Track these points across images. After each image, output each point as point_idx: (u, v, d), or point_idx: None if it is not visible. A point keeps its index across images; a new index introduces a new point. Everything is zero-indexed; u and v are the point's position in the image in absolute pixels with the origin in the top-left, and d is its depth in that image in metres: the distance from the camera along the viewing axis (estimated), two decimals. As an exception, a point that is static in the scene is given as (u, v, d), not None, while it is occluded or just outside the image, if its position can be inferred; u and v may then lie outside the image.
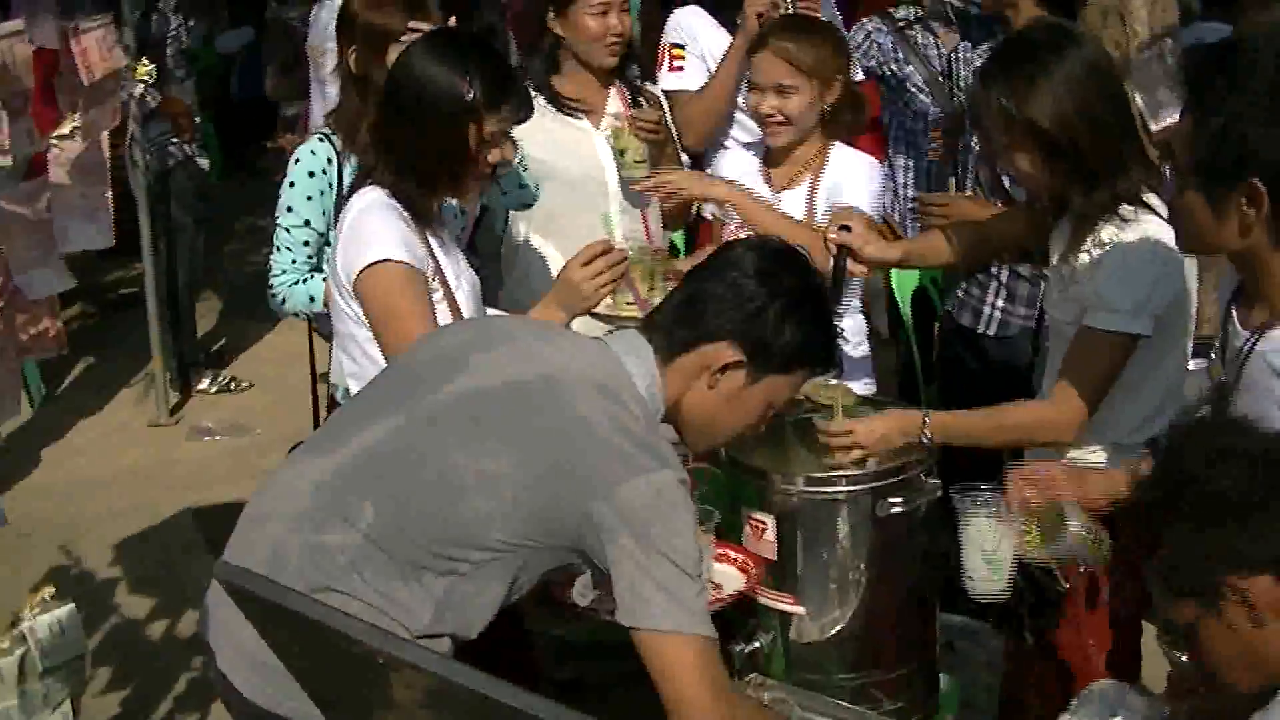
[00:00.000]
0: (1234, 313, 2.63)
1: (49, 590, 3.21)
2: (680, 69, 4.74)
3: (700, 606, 2.45)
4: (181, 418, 7.29)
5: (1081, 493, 2.92)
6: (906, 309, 5.12)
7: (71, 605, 3.18)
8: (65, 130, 5.12)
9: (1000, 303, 4.53)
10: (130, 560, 5.61)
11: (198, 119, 7.37)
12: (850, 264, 3.49)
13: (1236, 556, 2.02)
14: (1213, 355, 2.71)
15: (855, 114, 4.21)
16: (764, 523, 3.12)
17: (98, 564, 5.55)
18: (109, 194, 5.17)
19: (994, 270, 4.50)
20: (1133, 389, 3.16)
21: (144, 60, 6.51)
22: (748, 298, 2.63)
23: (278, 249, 3.94)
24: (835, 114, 4.06)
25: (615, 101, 4.51)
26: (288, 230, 3.91)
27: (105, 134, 5.39)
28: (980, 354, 4.65)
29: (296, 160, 3.94)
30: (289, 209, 3.90)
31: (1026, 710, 3.33)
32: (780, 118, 3.99)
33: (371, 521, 2.47)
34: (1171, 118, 4.31)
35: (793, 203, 4.06)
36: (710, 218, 4.25)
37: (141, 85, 6.47)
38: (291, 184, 3.91)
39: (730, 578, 3.10)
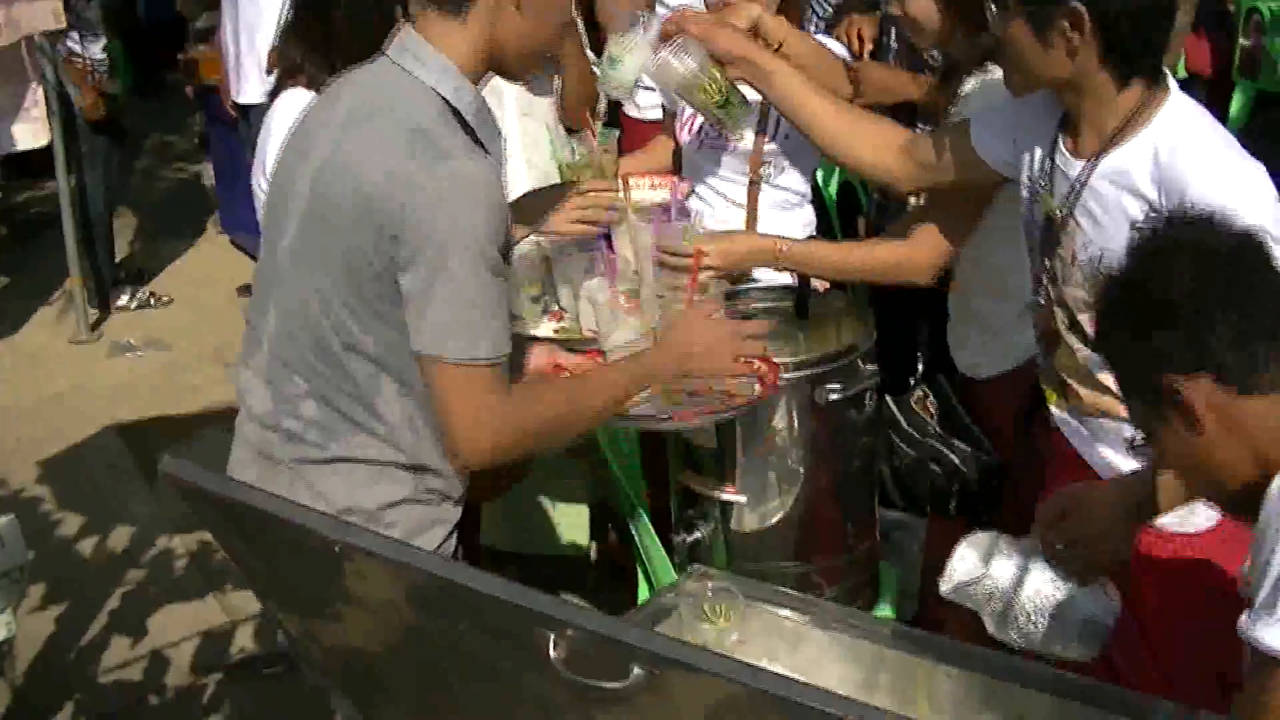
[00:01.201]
0: (1062, 144, 2.67)
1: (-13, 502, 3.20)
2: None
3: (488, 327, 2.40)
4: (102, 335, 7.21)
5: (711, 36, 3.13)
6: (832, 204, 5.12)
7: (12, 515, 3.15)
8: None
9: (918, 200, 4.52)
10: (57, 479, 5.56)
11: (105, 38, 7.17)
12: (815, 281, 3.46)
13: (1169, 359, 1.96)
14: (1039, 187, 2.73)
15: None
16: (703, 410, 3.11)
17: (25, 483, 5.50)
18: (37, 90, 5.02)
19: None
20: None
21: None
22: None
23: None
24: None
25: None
26: None
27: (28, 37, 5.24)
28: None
29: None
30: None
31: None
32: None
33: (308, 389, 2.52)
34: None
35: None
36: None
37: None
38: None
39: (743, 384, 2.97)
